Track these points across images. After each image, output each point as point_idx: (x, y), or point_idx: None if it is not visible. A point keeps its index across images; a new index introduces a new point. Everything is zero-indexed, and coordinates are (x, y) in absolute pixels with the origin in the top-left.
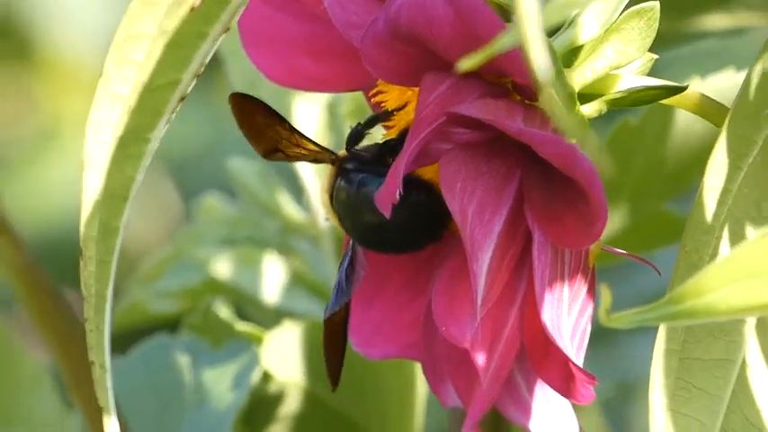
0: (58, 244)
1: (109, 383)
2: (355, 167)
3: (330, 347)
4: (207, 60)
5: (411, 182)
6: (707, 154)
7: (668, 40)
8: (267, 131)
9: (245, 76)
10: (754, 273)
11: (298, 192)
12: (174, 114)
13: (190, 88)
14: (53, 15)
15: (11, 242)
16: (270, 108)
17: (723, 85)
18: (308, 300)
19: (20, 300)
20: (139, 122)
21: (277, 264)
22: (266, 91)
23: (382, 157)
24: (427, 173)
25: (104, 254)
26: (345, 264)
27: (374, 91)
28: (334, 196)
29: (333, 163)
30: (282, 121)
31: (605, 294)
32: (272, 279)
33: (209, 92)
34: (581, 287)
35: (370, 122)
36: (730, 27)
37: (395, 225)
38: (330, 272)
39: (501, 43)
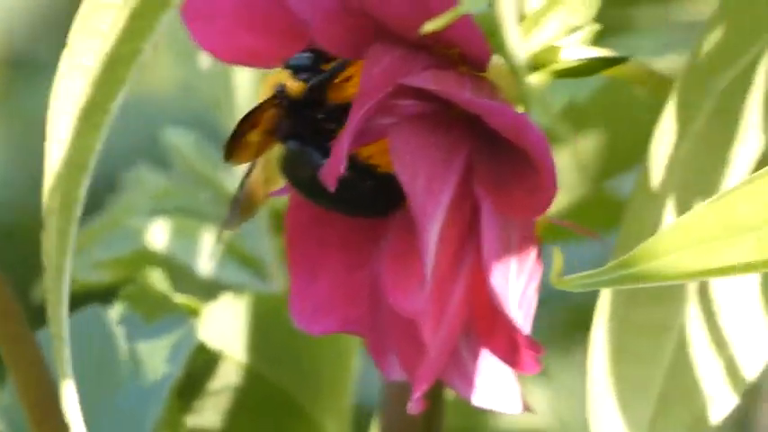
0: None
1: (67, 354)
2: (299, 120)
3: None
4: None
5: (354, 165)
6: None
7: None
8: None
9: (180, 48)
10: (703, 238)
11: None
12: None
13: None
14: None
15: None
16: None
17: (668, 65)
18: (241, 272)
19: None
20: (102, 93)
21: (211, 235)
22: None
23: (325, 122)
24: (370, 150)
25: (64, 223)
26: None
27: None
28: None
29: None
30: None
31: (557, 258)
32: (206, 251)
33: None
34: (528, 257)
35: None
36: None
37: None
38: (265, 245)
39: (463, 9)
